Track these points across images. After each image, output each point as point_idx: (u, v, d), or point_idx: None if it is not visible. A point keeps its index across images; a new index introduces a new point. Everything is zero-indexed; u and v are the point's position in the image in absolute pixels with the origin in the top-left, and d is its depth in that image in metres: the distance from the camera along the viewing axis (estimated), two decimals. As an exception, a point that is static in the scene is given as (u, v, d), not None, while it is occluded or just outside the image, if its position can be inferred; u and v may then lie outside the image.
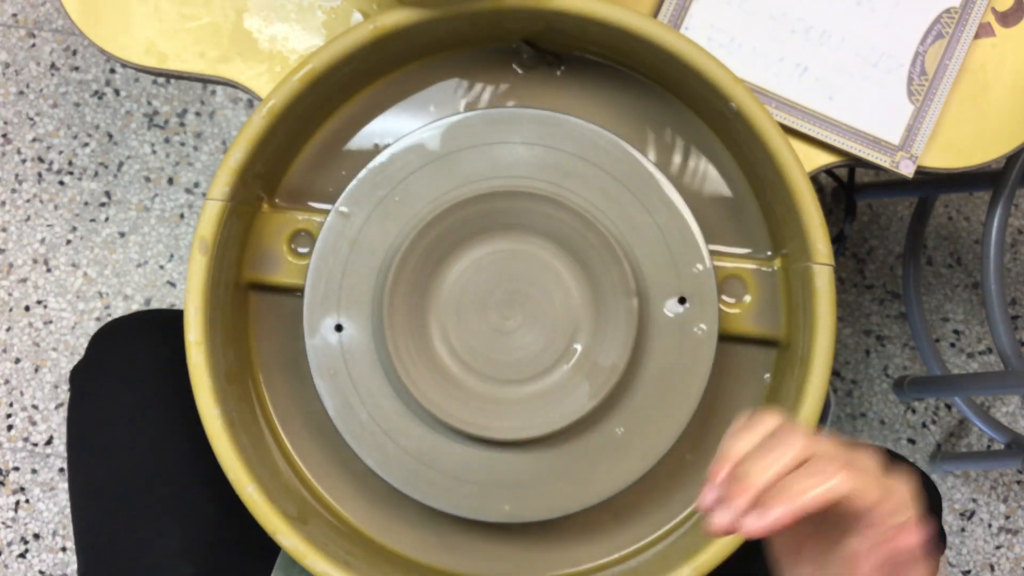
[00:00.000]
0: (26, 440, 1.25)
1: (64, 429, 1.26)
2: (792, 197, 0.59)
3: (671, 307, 0.62)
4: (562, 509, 0.62)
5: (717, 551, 0.57)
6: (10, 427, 1.26)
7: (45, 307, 1.27)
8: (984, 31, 0.68)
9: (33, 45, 1.31)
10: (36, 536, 1.24)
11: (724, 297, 0.63)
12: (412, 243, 0.60)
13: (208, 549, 0.65)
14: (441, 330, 0.62)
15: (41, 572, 1.24)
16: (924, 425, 1.26)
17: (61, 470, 1.25)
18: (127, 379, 0.69)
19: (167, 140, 1.29)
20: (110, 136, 1.29)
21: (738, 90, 0.59)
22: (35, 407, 1.26)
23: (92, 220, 1.28)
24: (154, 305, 1.27)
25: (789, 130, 0.67)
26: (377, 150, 0.65)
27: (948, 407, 1.26)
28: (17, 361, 1.27)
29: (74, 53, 1.31)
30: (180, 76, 0.68)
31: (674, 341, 0.62)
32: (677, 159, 0.65)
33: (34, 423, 1.26)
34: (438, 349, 0.62)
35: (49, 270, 1.28)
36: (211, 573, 0.65)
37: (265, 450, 0.63)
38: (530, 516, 0.62)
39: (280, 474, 0.63)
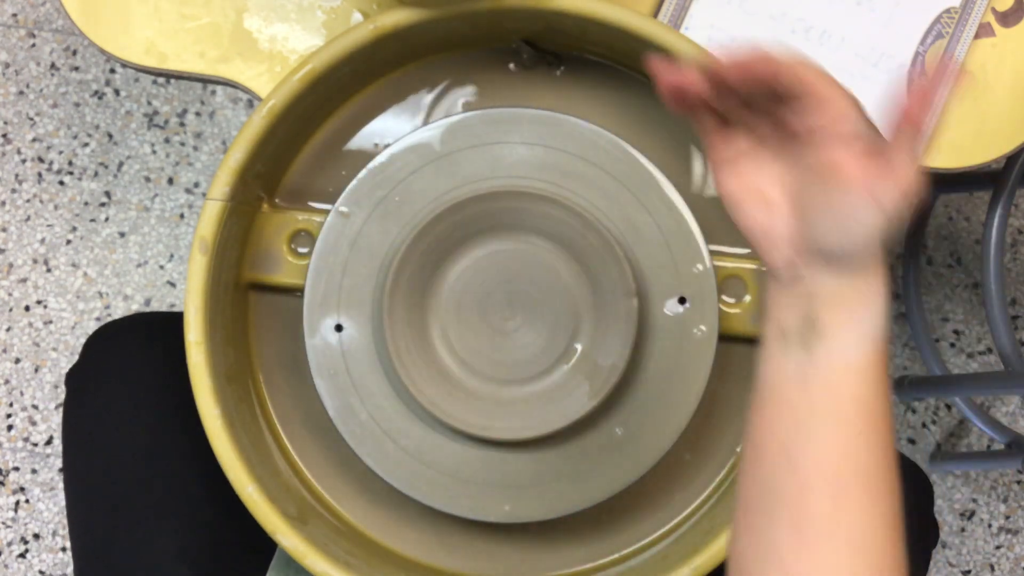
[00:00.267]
0: (26, 440, 1.25)
1: (64, 429, 1.26)
2: (792, 197, 0.59)
3: (671, 307, 0.62)
4: (562, 509, 0.62)
5: (716, 552, 0.57)
6: (10, 427, 1.26)
7: (45, 307, 1.27)
8: (984, 31, 0.68)
9: (33, 45, 1.31)
10: (36, 536, 1.24)
11: (724, 297, 0.63)
12: (412, 243, 0.60)
13: (204, 551, 0.65)
14: (441, 330, 0.62)
15: (41, 572, 1.24)
16: (924, 425, 1.26)
17: (61, 470, 1.25)
18: (122, 381, 0.69)
19: (167, 140, 1.29)
20: (110, 136, 1.29)
21: (738, 90, 0.59)
22: (35, 407, 1.26)
23: (92, 220, 1.28)
24: (154, 305, 1.27)
25: (789, 130, 0.67)
26: (377, 150, 0.65)
27: (948, 407, 1.26)
28: (17, 361, 1.27)
29: (74, 53, 1.31)
30: (180, 76, 0.68)
31: (674, 341, 0.62)
32: (677, 159, 0.65)
33: (34, 423, 1.26)
34: (438, 349, 0.62)
35: (49, 270, 1.28)
36: (208, 574, 0.65)
37: (265, 450, 0.63)
38: (530, 516, 0.62)
39: (280, 474, 0.63)
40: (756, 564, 0.42)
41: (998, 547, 1.25)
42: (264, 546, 0.66)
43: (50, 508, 1.24)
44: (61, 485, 1.25)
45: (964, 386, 1.12)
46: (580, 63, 0.65)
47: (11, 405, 1.26)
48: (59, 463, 1.25)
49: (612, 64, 0.65)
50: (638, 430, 0.62)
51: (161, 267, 1.27)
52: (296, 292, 0.64)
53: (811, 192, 0.41)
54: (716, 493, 0.64)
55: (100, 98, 1.30)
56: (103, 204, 1.28)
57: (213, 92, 1.30)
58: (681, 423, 0.61)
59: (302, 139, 0.65)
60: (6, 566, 1.23)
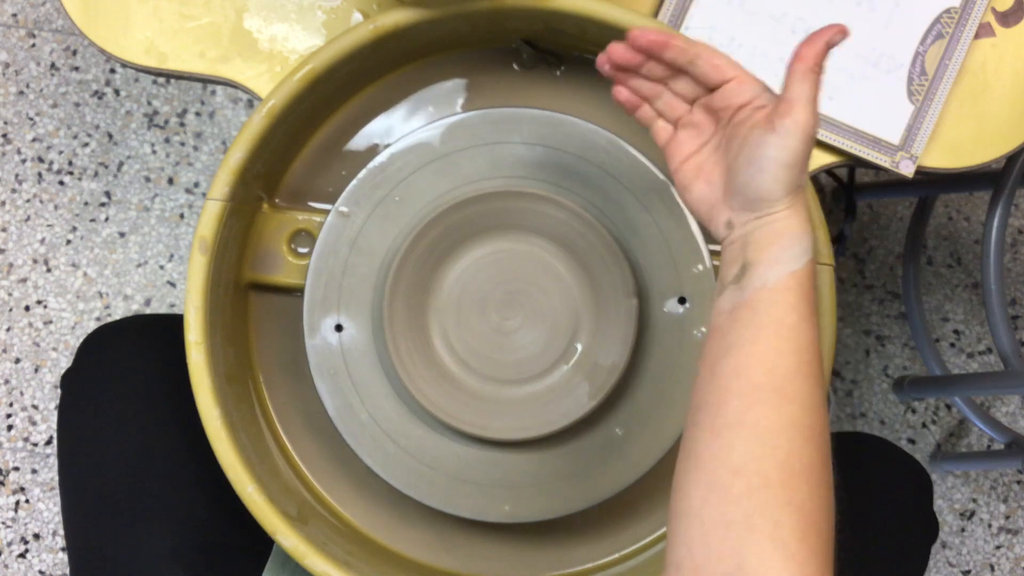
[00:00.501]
0: (26, 440, 1.25)
1: (64, 429, 1.26)
2: (792, 197, 0.59)
3: (671, 307, 0.62)
4: (562, 509, 0.62)
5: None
6: (10, 427, 1.26)
7: (45, 307, 1.27)
8: (984, 31, 0.68)
9: (33, 45, 1.31)
10: (36, 536, 1.24)
11: (724, 297, 0.63)
12: (412, 243, 0.60)
13: (200, 552, 0.65)
14: (441, 330, 0.62)
15: (41, 572, 1.24)
16: (924, 425, 1.26)
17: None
18: (117, 383, 0.69)
19: (167, 140, 1.29)
20: (110, 136, 1.29)
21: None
22: (35, 407, 1.26)
23: (92, 220, 1.28)
24: (154, 305, 1.27)
25: (789, 130, 0.67)
26: (377, 150, 0.65)
27: (948, 407, 1.26)
28: (17, 361, 1.27)
29: (74, 53, 1.31)
30: (180, 76, 0.68)
31: (674, 341, 0.62)
32: (677, 159, 0.65)
33: (34, 423, 1.26)
34: (438, 349, 0.62)
35: (49, 270, 1.28)
36: (202, 575, 0.65)
37: (265, 450, 0.63)
38: (530, 516, 0.62)
39: (280, 474, 0.63)
40: (680, 465, 0.47)
41: (998, 547, 1.25)
42: (259, 547, 0.66)
43: (50, 508, 1.24)
44: (61, 485, 1.25)
45: (964, 386, 1.12)
46: (580, 63, 0.65)
47: (11, 405, 1.26)
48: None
49: (612, 64, 0.65)
50: (638, 430, 0.62)
51: (161, 267, 1.27)
52: (296, 292, 0.64)
53: (733, 150, 0.50)
54: (716, 493, 0.64)
55: (100, 98, 1.30)
56: (103, 204, 1.28)
57: (213, 92, 1.30)
58: (681, 423, 0.61)
59: (302, 139, 0.65)
60: (6, 566, 1.23)
